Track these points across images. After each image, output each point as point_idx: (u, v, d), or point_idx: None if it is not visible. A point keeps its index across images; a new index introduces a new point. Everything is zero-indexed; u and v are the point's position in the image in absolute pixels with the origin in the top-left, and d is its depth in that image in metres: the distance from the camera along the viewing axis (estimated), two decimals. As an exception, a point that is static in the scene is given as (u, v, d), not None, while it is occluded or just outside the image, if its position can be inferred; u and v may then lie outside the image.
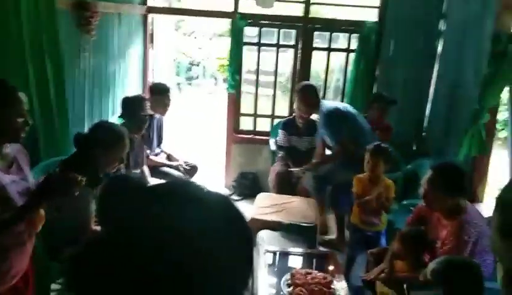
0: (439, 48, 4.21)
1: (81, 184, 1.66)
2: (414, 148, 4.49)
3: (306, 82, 3.93)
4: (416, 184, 4.08)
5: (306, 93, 3.71)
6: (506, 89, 2.93)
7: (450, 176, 2.16)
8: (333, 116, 3.54)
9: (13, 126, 1.62)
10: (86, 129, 2.95)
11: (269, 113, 4.73)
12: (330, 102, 3.85)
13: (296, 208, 3.40)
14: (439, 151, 3.93)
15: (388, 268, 2.36)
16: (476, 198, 3.22)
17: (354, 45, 4.36)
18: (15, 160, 1.72)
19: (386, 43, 4.23)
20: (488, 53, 2.99)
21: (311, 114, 3.84)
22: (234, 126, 4.67)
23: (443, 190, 2.14)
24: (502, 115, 3.34)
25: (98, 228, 2.29)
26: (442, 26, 4.18)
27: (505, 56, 2.72)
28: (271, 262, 2.59)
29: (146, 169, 3.50)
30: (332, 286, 2.27)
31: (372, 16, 4.27)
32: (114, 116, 3.46)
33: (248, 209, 3.41)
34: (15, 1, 2.25)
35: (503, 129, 5.28)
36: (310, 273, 2.32)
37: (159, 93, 3.73)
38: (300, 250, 2.79)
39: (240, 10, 4.32)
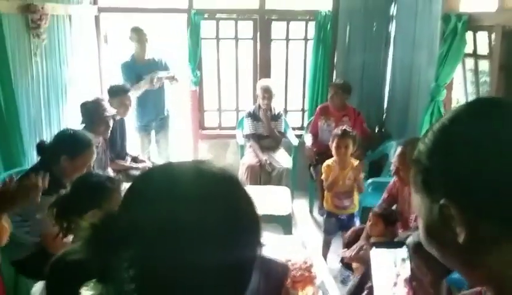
0: (392, 32, 4.36)
1: (39, 189, 1.58)
2: (376, 131, 4.64)
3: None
4: (379, 165, 4.26)
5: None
6: (459, 66, 3.08)
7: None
8: None
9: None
10: (45, 137, 2.82)
11: (233, 107, 4.72)
12: None
13: (270, 198, 3.42)
14: (400, 131, 4.08)
15: (366, 245, 2.43)
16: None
17: (311, 34, 4.42)
18: None
19: (341, 30, 4.33)
20: (440, 32, 3.13)
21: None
22: (199, 123, 4.62)
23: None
24: (455, 91, 3.50)
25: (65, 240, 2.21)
26: (393, 10, 4.33)
27: (455, 35, 2.85)
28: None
29: (111, 172, 3.40)
30: (313, 270, 2.31)
31: (327, 5, 4.35)
32: (74, 121, 3.32)
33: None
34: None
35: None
36: (289, 260, 2.34)
37: (118, 95, 3.62)
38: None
39: (195, 5, 4.27)
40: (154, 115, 4.19)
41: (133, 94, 3.99)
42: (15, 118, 2.67)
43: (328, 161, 3.08)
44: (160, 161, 3.98)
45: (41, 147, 2.25)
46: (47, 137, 3.01)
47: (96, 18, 4.24)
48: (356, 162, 3.04)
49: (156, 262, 0.54)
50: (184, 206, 0.56)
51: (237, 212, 0.60)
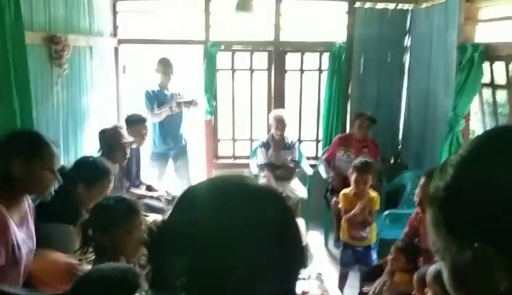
0: (407, 62, 4.38)
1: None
2: (392, 161, 4.59)
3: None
4: (396, 196, 4.18)
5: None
6: (476, 96, 3.05)
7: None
8: None
9: (40, 179, 1.56)
10: (63, 165, 2.84)
11: (247, 137, 4.74)
12: None
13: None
14: (416, 162, 4.02)
15: (388, 282, 2.35)
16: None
17: (325, 65, 4.47)
18: (26, 214, 1.62)
19: (356, 61, 4.36)
20: (455, 62, 3.13)
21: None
22: (213, 153, 4.63)
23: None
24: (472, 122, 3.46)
25: (84, 267, 2.18)
26: (407, 41, 4.37)
27: (472, 65, 2.84)
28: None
29: None
30: (330, 304, 2.23)
31: (341, 36, 4.41)
32: (91, 150, 3.35)
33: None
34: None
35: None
36: (307, 293, 2.27)
37: (135, 123, 3.69)
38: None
39: (212, 37, 4.37)
40: (172, 144, 4.22)
41: (154, 120, 4.06)
42: None
43: (346, 190, 3.03)
44: (177, 190, 3.97)
45: (61, 173, 2.27)
46: (65, 165, 3.03)
47: (116, 50, 4.36)
48: (374, 194, 2.99)
49: (206, 272, 0.55)
50: (234, 216, 0.57)
51: (286, 231, 0.60)
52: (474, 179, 0.52)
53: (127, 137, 3.17)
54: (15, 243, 1.47)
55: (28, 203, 1.67)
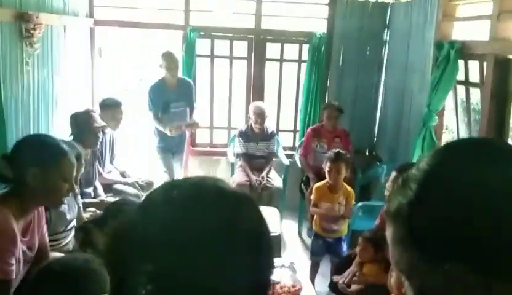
0: (385, 57, 4.42)
1: None
2: (367, 154, 4.65)
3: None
4: (369, 188, 4.26)
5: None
6: (450, 92, 3.11)
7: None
8: None
9: (55, 189, 1.49)
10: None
11: (225, 125, 4.70)
12: None
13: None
14: (390, 155, 4.09)
15: (358, 272, 2.39)
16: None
17: (305, 55, 4.46)
18: (31, 223, 1.55)
19: (335, 53, 4.37)
20: (432, 59, 3.18)
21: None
22: (190, 140, 4.58)
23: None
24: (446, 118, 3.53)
25: (54, 255, 2.13)
26: (386, 35, 4.40)
27: (448, 62, 2.89)
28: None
29: (99, 186, 3.34)
30: (301, 294, 2.25)
31: (321, 27, 4.40)
32: (63, 133, 3.26)
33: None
34: None
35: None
36: (279, 283, 2.28)
37: (110, 108, 3.60)
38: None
39: (191, 22, 4.29)
40: (174, 143, 4.03)
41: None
42: (1, 128, 2.59)
43: (320, 184, 3.06)
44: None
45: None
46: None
47: (92, 31, 4.23)
48: (349, 188, 3.03)
49: (174, 277, 0.51)
50: (207, 217, 0.54)
51: (260, 239, 0.58)
52: (440, 196, 0.51)
53: (99, 122, 3.09)
54: (18, 255, 1.43)
55: (37, 211, 1.60)
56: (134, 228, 0.55)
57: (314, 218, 3.13)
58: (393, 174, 2.29)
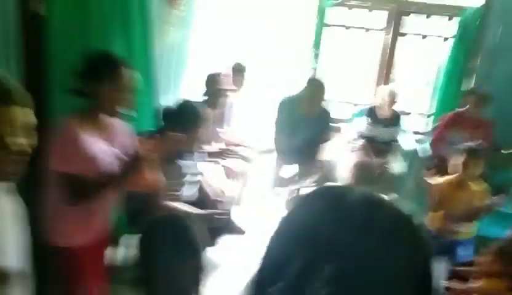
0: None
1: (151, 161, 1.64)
2: (505, 152, 4.02)
3: None
4: (502, 190, 3.68)
5: None
6: None
7: None
8: None
9: (110, 100, 1.61)
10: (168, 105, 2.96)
11: (349, 99, 4.49)
12: None
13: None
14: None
15: (475, 285, 2.12)
16: None
17: (448, 32, 3.96)
18: (112, 129, 1.74)
19: (491, 30, 3.77)
20: None
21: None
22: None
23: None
24: None
25: (168, 203, 2.32)
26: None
27: None
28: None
29: (215, 146, 3.46)
30: None
31: (475, 1, 3.81)
32: (193, 92, 3.46)
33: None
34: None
35: None
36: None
37: (239, 73, 3.75)
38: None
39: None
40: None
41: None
42: (153, 84, 2.76)
43: (451, 177, 2.73)
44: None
45: (166, 114, 2.37)
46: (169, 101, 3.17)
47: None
48: (483, 185, 2.66)
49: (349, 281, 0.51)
50: (381, 228, 0.54)
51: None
52: None
53: (224, 85, 3.22)
54: (94, 154, 1.59)
55: (121, 125, 1.78)
56: (323, 225, 0.55)
57: (432, 215, 2.83)
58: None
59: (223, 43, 4.43)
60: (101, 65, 1.61)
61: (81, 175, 1.57)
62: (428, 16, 4.04)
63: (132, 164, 1.59)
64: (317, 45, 4.13)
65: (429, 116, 4.28)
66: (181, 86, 3.55)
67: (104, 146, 1.68)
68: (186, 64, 3.61)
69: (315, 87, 3.35)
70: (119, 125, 1.78)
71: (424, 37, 4.12)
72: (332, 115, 3.60)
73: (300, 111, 3.33)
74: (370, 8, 4.14)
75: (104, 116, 1.68)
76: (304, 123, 3.33)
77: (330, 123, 3.56)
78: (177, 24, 3.23)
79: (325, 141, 3.51)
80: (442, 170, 2.91)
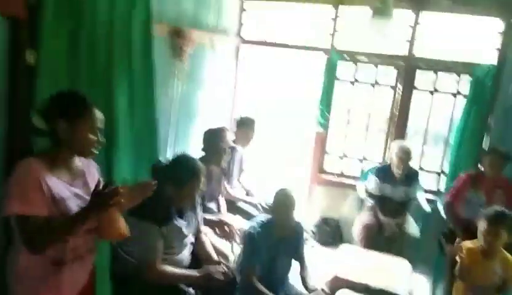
0: None
1: (119, 201, 1.49)
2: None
3: None
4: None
5: None
6: None
7: None
8: None
9: (83, 140, 1.56)
10: (167, 157, 2.84)
11: (359, 156, 4.34)
12: None
13: (387, 270, 2.95)
14: None
15: None
16: None
17: (462, 88, 3.87)
18: (82, 174, 1.66)
19: (505, 89, 3.65)
20: None
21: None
22: (318, 166, 4.36)
23: None
24: None
25: (165, 268, 2.11)
26: None
27: None
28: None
29: (223, 202, 3.33)
30: None
31: (488, 57, 3.74)
32: (198, 147, 3.34)
33: (331, 260, 3.10)
34: (108, 26, 2.11)
35: None
36: None
37: (244, 126, 3.67)
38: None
39: (337, 45, 4.09)
40: None
41: None
42: (154, 137, 2.60)
43: (472, 245, 2.50)
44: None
45: (156, 169, 2.25)
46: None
47: (237, 49, 4.35)
48: (509, 256, 2.42)
49: None
50: None
51: None
52: None
53: (228, 142, 3.12)
54: (57, 196, 1.50)
55: (88, 164, 1.71)
56: None
57: (456, 286, 2.57)
58: None
59: (231, 97, 4.40)
60: (71, 104, 1.56)
61: (40, 217, 1.45)
62: (436, 73, 3.96)
63: (96, 201, 1.47)
64: (326, 100, 4.06)
65: (440, 174, 4.09)
66: (189, 141, 3.44)
67: (69, 187, 1.58)
68: (194, 119, 3.53)
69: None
70: (86, 165, 1.70)
71: (433, 92, 4.01)
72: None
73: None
74: (377, 64, 4.10)
75: (71, 156, 1.61)
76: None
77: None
78: (182, 77, 3.17)
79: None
80: (469, 235, 2.68)
